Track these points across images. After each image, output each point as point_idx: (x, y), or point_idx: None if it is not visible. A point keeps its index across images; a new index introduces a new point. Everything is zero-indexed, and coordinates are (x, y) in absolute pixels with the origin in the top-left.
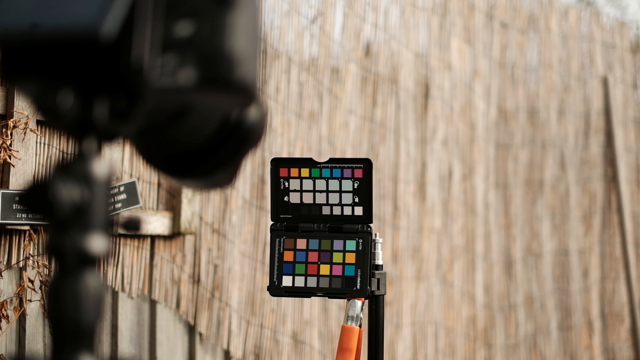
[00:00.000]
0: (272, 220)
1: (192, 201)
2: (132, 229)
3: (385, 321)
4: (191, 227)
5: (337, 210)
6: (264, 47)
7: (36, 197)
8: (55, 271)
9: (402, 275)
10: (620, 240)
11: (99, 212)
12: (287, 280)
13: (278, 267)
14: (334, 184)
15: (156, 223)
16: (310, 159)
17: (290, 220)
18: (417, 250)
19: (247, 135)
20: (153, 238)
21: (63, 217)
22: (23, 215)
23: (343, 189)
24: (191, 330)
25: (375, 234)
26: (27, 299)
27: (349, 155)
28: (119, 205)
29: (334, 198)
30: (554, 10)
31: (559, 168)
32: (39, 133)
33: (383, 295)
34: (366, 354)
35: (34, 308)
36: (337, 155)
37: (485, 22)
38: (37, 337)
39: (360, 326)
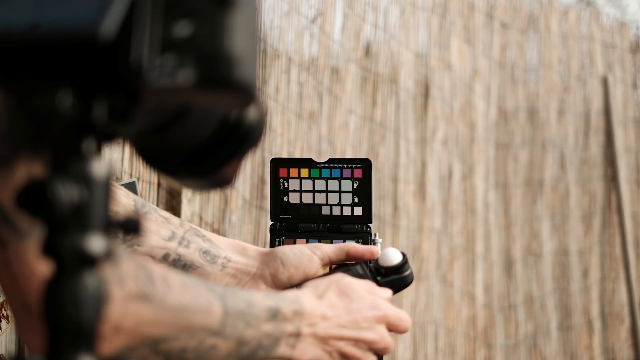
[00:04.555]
0: (271, 220)
1: (192, 201)
2: (132, 230)
3: None
4: None
5: (336, 211)
6: (263, 47)
7: (35, 197)
8: (53, 272)
9: None
10: (620, 240)
11: (98, 213)
12: None
13: None
14: (333, 184)
15: None
16: (310, 159)
17: (290, 221)
18: (417, 250)
19: (247, 136)
20: None
21: (62, 217)
22: None
23: (342, 189)
24: None
25: (375, 234)
26: None
27: (348, 155)
28: None
29: (333, 198)
30: (554, 10)
31: (559, 168)
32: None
33: None
34: None
35: None
36: (337, 155)
37: (485, 22)
38: None
39: None
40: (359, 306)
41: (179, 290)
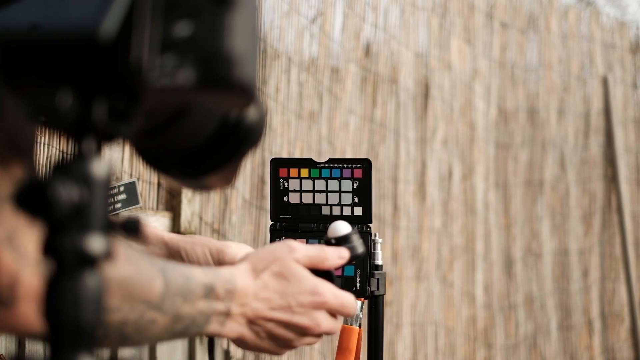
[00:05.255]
0: (271, 220)
1: (192, 201)
2: (132, 230)
3: (385, 321)
4: (191, 227)
5: (336, 211)
6: (263, 47)
7: (35, 197)
8: (53, 272)
9: (402, 275)
10: (620, 240)
11: (98, 213)
12: None
13: None
14: (333, 184)
15: (156, 223)
16: (310, 159)
17: (290, 221)
18: (417, 250)
19: (247, 136)
20: None
21: (62, 217)
22: None
23: (342, 189)
24: None
25: (375, 234)
26: None
27: (348, 155)
28: (118, 205)
29: (333, 198)
30: (554, 10)
31: (559, 168)
32: (39, 133)
33: (383, 295)
34: (366, 354)
35: None
36: (337, 155)
37: (485, 22)
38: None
39: (360, 326)
40: (295, 290)
41: (123, 262)
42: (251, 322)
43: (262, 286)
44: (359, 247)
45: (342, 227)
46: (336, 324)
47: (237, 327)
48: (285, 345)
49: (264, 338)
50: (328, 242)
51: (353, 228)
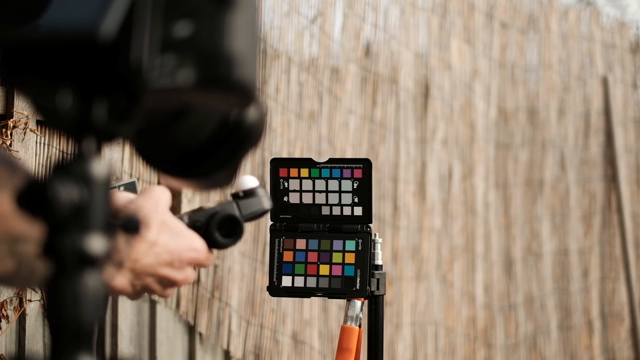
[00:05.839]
0: (271, 220)
1: (192, 201)
2: (132, 230)
3: (385, 321)
4: None
5: (336, 211)
6: (263, 47)
7: (35, 197)
8: (53, 272)
9: (402, 275)
10: (620, 240)
11: (98, 213)
12: (286, 281)
13: (277, 267)
14: (333, 184)
15: None
16: (310, 159)
17: (290, 221)
18: (417, 250)
19: (247, 136)
20: None
21: (62, 217)
22: None
23: (342, 189)
24: (191, 330)
25: (375, 234)
26: (27, 299)
27: (348, 155)
28: None
29: (333, 198)
30: (553, 10)
31: (559, 168)
32: (38, 133)
33: (383, 295)
34: (366, 354)
35: (33, 308)
36: (337, 155)
37: (485, 22)
38: (37, 337)
39: (360, 326)
40: (179, 247)
41: None
42: (136, 276)
43: (153, 241)
44: (266, 202)
45: (248, 181)
46: (193, 274)
47: (123, 282)
48: (147, 293)
49: (138, 291)
50: (235, 196)
51: (260, 183)
